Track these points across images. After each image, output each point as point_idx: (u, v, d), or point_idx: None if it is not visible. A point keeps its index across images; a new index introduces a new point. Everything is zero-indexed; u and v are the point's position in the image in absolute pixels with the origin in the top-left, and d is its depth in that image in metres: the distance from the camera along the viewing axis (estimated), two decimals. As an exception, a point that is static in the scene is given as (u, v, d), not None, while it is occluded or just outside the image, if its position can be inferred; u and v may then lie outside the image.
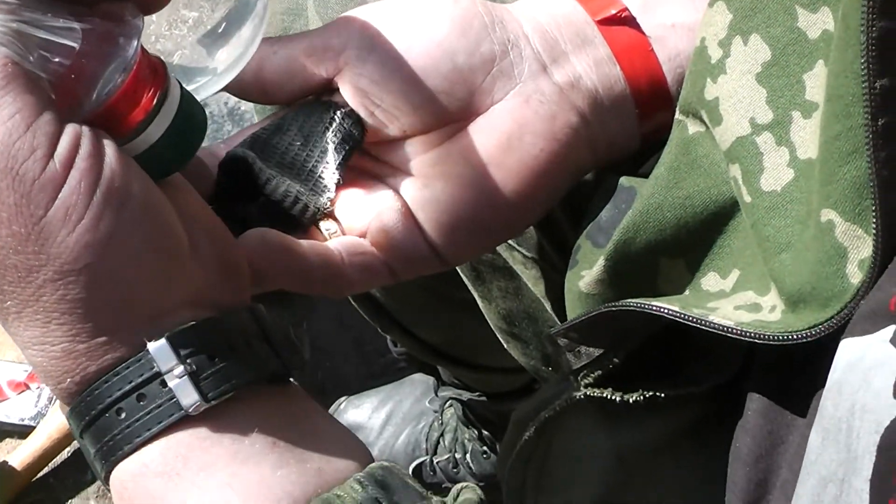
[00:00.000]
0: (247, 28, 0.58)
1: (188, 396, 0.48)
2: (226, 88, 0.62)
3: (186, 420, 0.49)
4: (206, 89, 0.59)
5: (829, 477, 0.43)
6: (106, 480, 0.51)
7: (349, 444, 0.53)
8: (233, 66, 0.59)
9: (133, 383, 0.48)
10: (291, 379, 0.54)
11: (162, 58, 0.55)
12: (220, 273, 0.53)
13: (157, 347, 0.48)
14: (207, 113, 1.77)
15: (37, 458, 1.61)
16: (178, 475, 0.49)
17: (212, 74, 0.59)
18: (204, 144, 0.57)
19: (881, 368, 0.41)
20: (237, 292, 0.54)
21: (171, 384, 0.48)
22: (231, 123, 1.77)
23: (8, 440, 1.68)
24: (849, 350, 0.44)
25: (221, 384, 0.49)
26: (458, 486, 0.55)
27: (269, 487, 0.49)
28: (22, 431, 1.66)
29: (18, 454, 1.61)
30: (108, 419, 0.49)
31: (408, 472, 0.52)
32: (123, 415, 0.49)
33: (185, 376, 0.48)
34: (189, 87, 0.56)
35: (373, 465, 0.52)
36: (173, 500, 0.49)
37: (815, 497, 0.44)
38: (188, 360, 0.49)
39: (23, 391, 1.68)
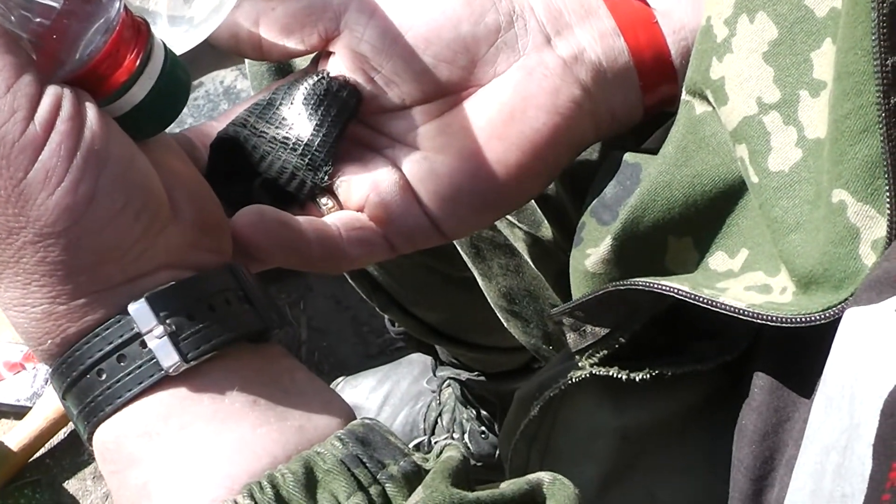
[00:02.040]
0: None
1: (168, 357, 0.49)
2: (221, 44, 0.61)
3: (167, 380, 0.49)
4: (185, 40, 0.58)
5: (832, 445, 0.43)
6: (89, 441, 0.51)
7: (331, 402, 0.53)
8: (211, 16, 0.58)
9: (113, 344, 0.49)
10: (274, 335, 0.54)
11: (138, 2, 0.54)
12: (200, 233, 0.53)
13: (137, 308, 0.49)
14: (203, 92, 1.77)
15: (33, 439, 1.61)
16: (159, 435, 0.49)
17: (189, 24, 0.58)
18: (199, 123, 0.56)
19: (885, 337, 0.41)
20: (218, 252, 0.54)
21: (150, 345, 0.49)
22: (227, 102, 1.76)
23: (4, 421, 1.68)
24: (853, 319, 0.44)
25: (201, 344, 0.49)
26: (442, 443, 0.55)
27: (249, 446, 0.49)
28: (18, 412, 1.66)
29: (14, 435, 1.61)
30: (90, 380, 0.49)
31: (390, 429, 0.52)
32: (104, 376, 0.49)
33: (165, 337, 0.49)
34: (168, 37, 0.56)
35: (354, 421, 0.51)
36: (154, 460, 0.49)
37: (818, 465, 0.44)
38: (167, 321, 0.49)
39: (18, 371, 1.67)
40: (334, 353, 1.77)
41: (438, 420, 1.59)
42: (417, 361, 1.64)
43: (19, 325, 0.50)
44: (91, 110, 0.48)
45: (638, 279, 0.55)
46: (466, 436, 1.57)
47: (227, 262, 0.54)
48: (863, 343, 0.42)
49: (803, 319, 0.48)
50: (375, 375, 1.66)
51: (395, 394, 1.63)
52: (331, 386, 1.62)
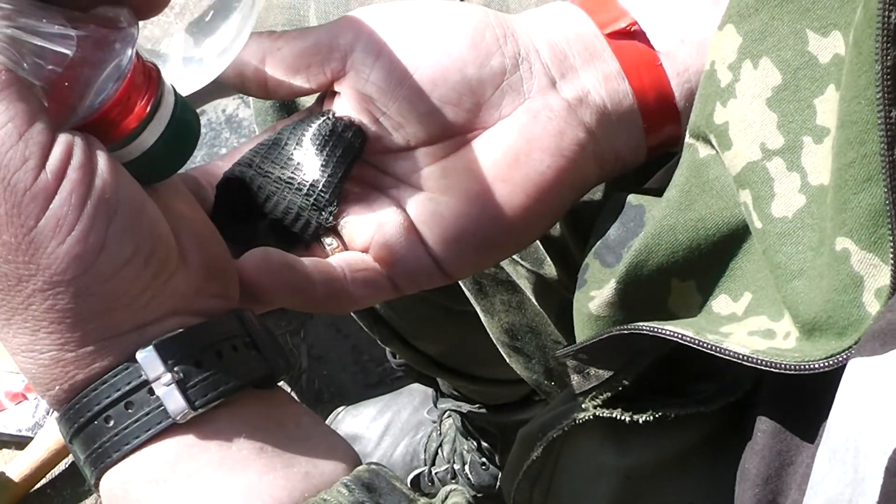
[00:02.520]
0: (234, 18, 0.58)
1: (176, 404, 0.49)
2: (227, 82, 0.62)
3: (174, 427, 0.49)
4: (194, 80, 0.59)
5: (835, 498, 0.43)
6: (96, 486, 0.51)
7: (336, 447, 0.54)
8: (221, 57, 0.59)
9: (121, 391, 0.49)
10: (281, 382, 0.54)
11: (149, 45, 0.55)
12: (207, 278, 0.53)
13: (145, 356, 0.49)
14: (205, 120, 1.78)
15: (34, 470, 1.60)
16: (167, 482, 0.49)
17: (199, 65, 0.58)
18: (202, 152, 0.57)
19: (889, 391, 0.41)
20: (224, 297, 0.54)
21: (158, 392, 0.49)
22: (229, 130, 1.77)
23: (5, 451, 1.68)
24: (858, 370, 0.44)
25: (208, 392, 0.50)
26: (447, 488, 0.55)
27: (256, 493, 0.49)
28: (20, 442, 1.66)
29: (16, 465, 1.61)
30: (97, 426, 0.49)
31: (395, 475, 0.52)
32: (112, 422, 0.49)
33: (173, 384, 0.49)
34: (177, 78, 0.56)
35: (360, 467, 0.52)
36: None
37: None
38: (175, 368, 0.49)
39: (20, 402, 1.67)
40: (335, 381, 1.76)
41: (439, 450, 1.59)
42: (418, 391, 1.64)
43: (28, 370, 0.50)
44: (102, 158, 0.49)
45: (642, 324, 0.55)
46: (467, 467, 1.57)
47: (234, 307, 0.54)
48: (867, 396, 0.42)
49: (807, 367, 0.48)
50: (376, 405, 1.66)
51: (395, 423, 1.63)
52: (332, 415, 1.62)
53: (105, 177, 0.48)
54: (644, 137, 0.65)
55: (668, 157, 0.65)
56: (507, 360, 0.96)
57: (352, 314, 1.14)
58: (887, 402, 0.40)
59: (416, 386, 1.64)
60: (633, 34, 0.64)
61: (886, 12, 0.44)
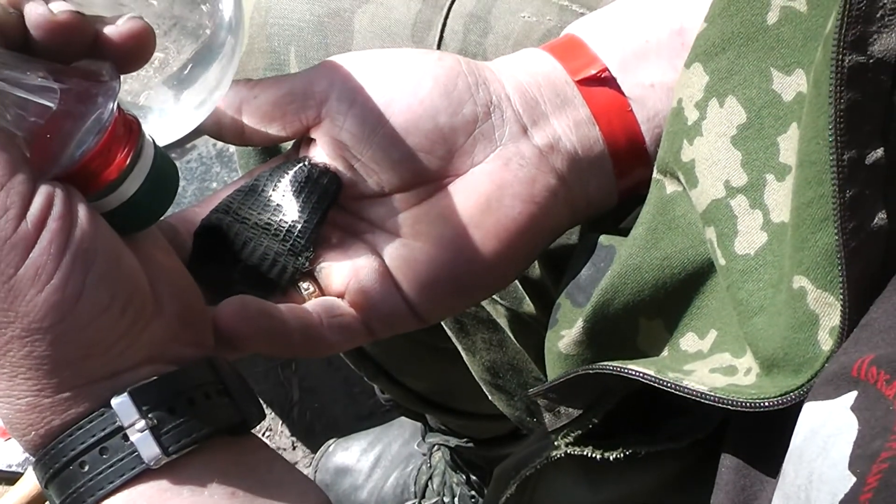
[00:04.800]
0: (213, 70, 0.58)
1: (149, 450, 0.50)
2: (203, 130, 0.62)
3: (148, 473, 0.50)
4: (173, 131, 0.60)
5: None
6: None
7: (308, 493, 0.54)
8: (200, 107, 0.60)
9: (96, 437, 0.50)
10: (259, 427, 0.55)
11: (129, 97, 0.55)
12: (182, 327, 0.54)
13: (120, 402, 0.50)
14: (196, 155, 1.78)
15: (25, 505, 1.60)
16: None
17: (178, 116, 0.59)
18: (193, 186, 0.57)
19: (839, 437, 0.41)
20: (198, 345, 0.55)
21: (132, 438, 0.50)
22: (220, 165, 1.77)
23: (-4, 487, 1.68)
24: (811, 415, 0.44)
25: (182, 438, 0.50)
26: None
27: None
28: (10, 478, 1.65)
29: (6, 501, 1.60)
30: (72, 472, 0.50)
31: None
32: (87, 468, 0.50)
33: (147, 430, 0.50)
34: (156, 129, 0.57)
35: None
36: None
37: None
38: (149, 415, 0.50)
39: (9, 438, 1.67)
40: (326, 413, 1.76)
41: (429, 483, 1.58)
42: (408, 424, 1.63)
43: (4, 415, 0.50)
44: (81, 208, 0.50)
45: (606, 363, 0.55)
46: (457, 499, 1.56)
47: (207, 355, 0.55)
48: (818, 442, 0.42)
49: (762, 404, 0.48)
50: (367, 437, 1.65)
51: (385, 456, 1.62)
52: (322, 447, 1.62)
53: (84, 227, 0.49)
54: (615, 182, 0.65)
55: (644, 198, 0.66)
56: (490, 398, 0.96)
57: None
58: (835, 450, 0.41)
59: (406, 418, 1.64)
60: (603, 80, 0.64)
61: (840, 55, 0.44)
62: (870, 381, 0.41)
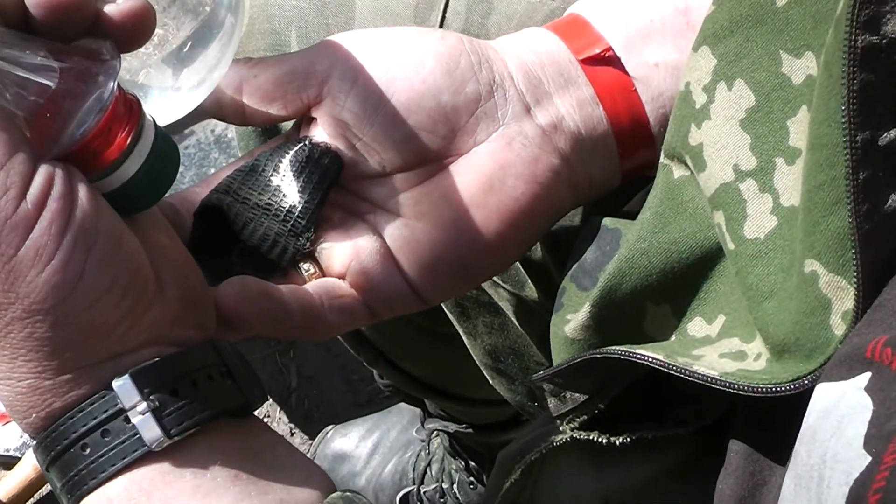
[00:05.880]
0: (213, 48, 0.58)
1: (151, 432, 0.49)
2: (203, 109, 0.62)
3: (150, 455, 0.50)
4: (173, 110, 0.59)
5: None
6: None
7: (311, 475, 0.54)
8: (200, 87, 0.59)
9: (97, 419, 0.49)
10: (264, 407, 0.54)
11: (128, 76, 0.55)
12: (184, 309, 0.53)
13: (121, 384, 0.50)
14: (194, 140, 1.78)
15: (22, 490, 1.60)
16: None
17: (178, 95, 0.59)
18: (191, 171, 0.57)
19: (854, 417, 0.41)
20: (200, 326, 0.55)
21: (134, 420, 0.49)
22: (218, 151, 1.77)
23: (-7, 471, 1.68)
24: (824, 395, 0.44)
25: (184, 420, 0.50)
26: None
27: None
28: (7, 462, 1.66)
29: (3, 485, 1.60)
30: (74, 454, 0.50)
31: (370, 501, 0.53)
32: (88, 450, 0.50)
33: (149, 412, 0.49)
34: (156, 108, 0.56)
35: (334, 494, 0.52)
36: None
37: None
38: (151, 397, 0.50)
39: (7, 422, 1.67)
40: (324, 400, 1.76)
41: (428, 469, 1.59)
42: (407, 410, 1.64)
43: (5, 398, 0.50)
44: (82, 189, 0.49)
45: (614, 347, 0.55)
46: (455, 486, 1.56)
47: (210, 337, 0.54)
48: (831, 422, 0.42)
49: (774, 390, 0.48)
50: (365, 424, 1.65)
51: (384, 443, 1.62)
52: (321, 434, 1.62)
53: (85, 207, 0.49)
54: (618, 163, 0.65)
55: (648, 180, 0.65)
56: (491, 382, 0.96)
57: (338, 335, 1.14)
58: (850, 430, 0.40)
59: (405, 405, 1.64)
60: (607, 60, 0.64)
61: (853, 35, 0.44)
62: (884, 363, 0.41)
